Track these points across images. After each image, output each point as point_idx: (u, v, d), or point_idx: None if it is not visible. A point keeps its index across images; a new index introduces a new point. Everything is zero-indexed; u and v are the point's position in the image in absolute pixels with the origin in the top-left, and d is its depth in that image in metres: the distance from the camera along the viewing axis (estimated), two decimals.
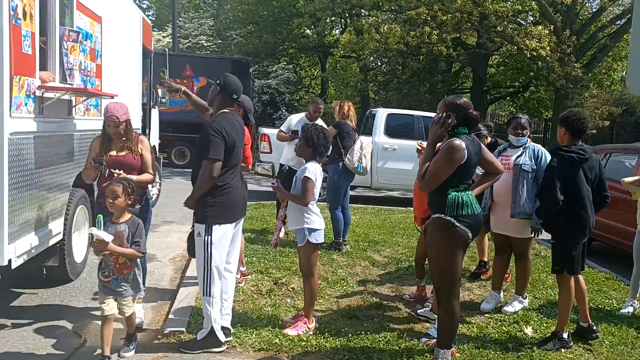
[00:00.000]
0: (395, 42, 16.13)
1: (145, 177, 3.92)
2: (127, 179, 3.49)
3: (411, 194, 6.32)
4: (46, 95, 3.98)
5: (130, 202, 3.42)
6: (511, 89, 24.56)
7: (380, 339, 3.91)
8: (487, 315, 4.58)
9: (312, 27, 20.69)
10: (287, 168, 6.22)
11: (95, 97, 4.72)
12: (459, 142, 3.26)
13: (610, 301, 5.08)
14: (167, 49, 12.35)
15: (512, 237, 4.64)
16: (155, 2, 41.14)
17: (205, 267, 3.50)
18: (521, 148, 4.60)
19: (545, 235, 4.44)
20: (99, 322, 3.51)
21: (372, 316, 4.36)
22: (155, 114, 8.70)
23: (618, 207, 6.33)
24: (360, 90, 24.98)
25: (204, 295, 3.54)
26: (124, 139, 3.87)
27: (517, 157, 4.53)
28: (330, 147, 4.02)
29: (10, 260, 3.56)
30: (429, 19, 15.12)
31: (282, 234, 6.29)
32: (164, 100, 8.91)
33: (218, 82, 3.70)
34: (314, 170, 3.86)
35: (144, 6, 42.31)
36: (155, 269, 5.53)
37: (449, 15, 15.44)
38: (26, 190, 3.75)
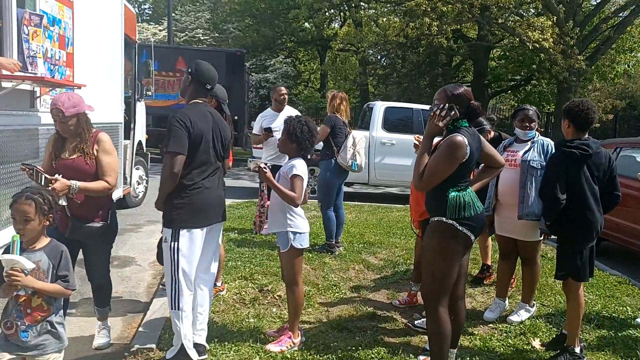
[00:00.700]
0: (394, 34, 15.74)
1: (96, 185, 3.15)
2: (41, 194, 2.50)
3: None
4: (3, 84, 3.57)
5: (48, 222, 2.51)
6: (513, 82, 24.19)
7: (374, 355, 3.52)
8: (490, 325, 4.19)
9: (310, 19, 20.22)
10: (270, 166, 5.79)
11: (59, 87, 4.30)
12: (462, 139, 2.92)
13: (624, 308, 4.68)
14: (152, 40, 11.95)
15: (518, 240, 4.24)
16: None
17: (172, 277, 3.10)
18: (529, 142, 4.19)
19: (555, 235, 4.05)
20: None
21: (365, 328, 3.97)
22: (141, 108, 8.28)
23: (628, 205, 6.01)
24: (359, 84, 24.58)
25: (172, 309, 3.14)
26: (78, 138, 3.20)
27: (525, 153, 4.12)
28: (316, 142, 3.61)
29: None
30: (429, 10, 14.73)
31: (265, 231, 5.88)
32: (149, 93, 8.49)
33: (189, 70, 3.30)
34: (302, 168, 3.46)
35: None
36: (132, 274, 5.14)
37: (450, 6, 15.05)
38: None
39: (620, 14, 17.01)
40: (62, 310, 2.62)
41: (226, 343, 3.52)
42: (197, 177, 3.12)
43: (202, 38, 27.26)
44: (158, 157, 13.26)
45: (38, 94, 4.19)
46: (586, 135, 3.71)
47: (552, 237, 4.00)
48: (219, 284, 4.32)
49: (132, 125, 7.68)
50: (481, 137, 3.27)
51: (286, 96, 6.03)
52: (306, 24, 26.53)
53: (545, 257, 6.07)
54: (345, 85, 26.77)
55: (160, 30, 27.94)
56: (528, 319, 4.27)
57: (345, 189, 10.66)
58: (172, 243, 3.09)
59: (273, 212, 3.58)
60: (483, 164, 3.42)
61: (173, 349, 3.20)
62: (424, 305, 3.20)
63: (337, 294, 4.65)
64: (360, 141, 5.82)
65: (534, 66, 19.92)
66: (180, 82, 15.44)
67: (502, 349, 3.76)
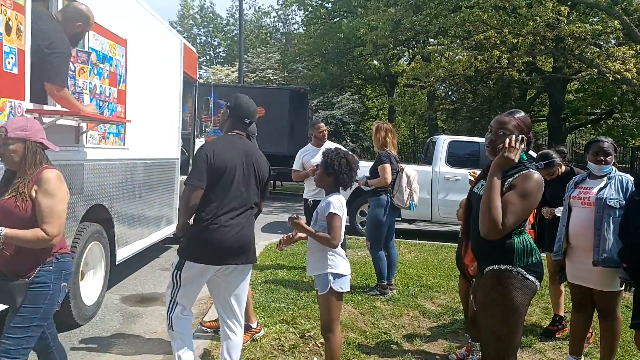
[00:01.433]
0: (463, 68, 15.30)
1: (29, 234, 2.46)
2: None
3: None
4: (44, 120, 3.57)
5: None
6: (592, 116, 22.79)
7: None
8: None
9: (374, 54, 20.20)
10: (311, 202, 5.57)
11: (101, 122, 4.31)
12: (539, 175, 2.55)
13: None
14: (211, 81, 12.27)
15: (594, 289, 3.70)
16: (225, 39, 42.66)
17: (171, 298, 3.08)
18: (605, 178, 3.70)
19: None
20: None
21: None
22: (200, 144, 8.35)
23: None
24: (427, 119, 24.11)
25: (168, 328, 3.13)
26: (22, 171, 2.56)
27: (600, 190, 3.63)
28: (356, 176, 3.33)
29: None
30: (498, 42, 14.23)
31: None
32: (208, 130, 8.58)
33: (228, 103, 3.18)
34: (340, 205, 3.18)
35: (215, 43, 44.15)
36: (157, 310, 4.96)
37: (520, 38, 14.47)
38: None
39: None
40: None
41: None
42: (218, 212, 2.94)
43: (272, 78, 28.04)
44: None
45: (84, 130, 4.20)
46: None
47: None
48: (253, 325, 4.07)
49: (190, 161, 7.73)
50: None
51: (325, 132, 5.86)
52: (375, 62, 26.61)
53: (629, 307, 5.33)
54: (412, 120, 26.36)
55: (233, 72, 29.10)
56: None
57: (407, 226, 10.19)
58: (176, 271, 3.06)
59: (311, 252, 3.30)
60: None
61: None
62: None
63: (386, 344, 4.23)
64: (414, 179, 5.48)
65: (616, 98, 18.68)
66: None
67: None
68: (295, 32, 34.69)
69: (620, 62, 13.40)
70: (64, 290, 2.68)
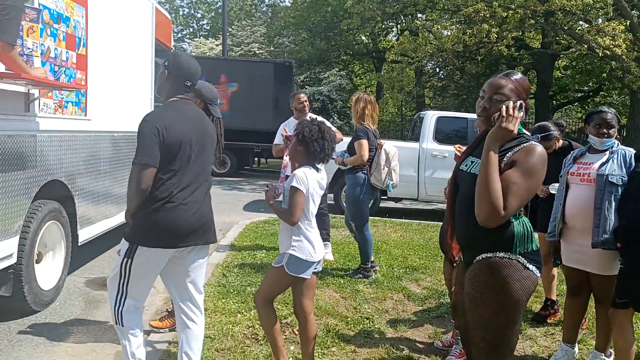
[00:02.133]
0: (452, 42, 14.91)
1: None
2: None
3: None
4: None
5: None
6: (580, 94, 22.63)
7: None
8: None
9: (362, 27, 19.70)
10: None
11: (54, 88, 3.89)
12: (542, 148, 2.15)
13: None
14: (182, 48, 11.74)
15: (591, 273, 3.43)
16: (209, 11, 41.59)
17: (119, 289, 2.65)
18: (606, 153, 3.40)
19: None
20: None
21: None
22: None
23: None
24: (414, 96, 23.76)
25: (116, 324, 2.69)
26: None
27: (602, 166, 3.32)
28: (333, 148, 2.98)
29: None
30: (487, 16, 13.85)
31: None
32: None
33: (165, 62, 2.75)
34: (304, 178, 2.85)
35: (199, 15, 43.04)
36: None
37: (510, 11, 14.10)
38: None
39: None
40: None
41: None
42: (174, 188, 2.57)
43: (257, 52, 27.38)
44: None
45: (35, 97, 3.78)
46: None
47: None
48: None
49: None
50: None
51: (306, 103, 5.52)
52: (362, 37, 26.05)
53: None
54: (400, 97, 25.99)
55: (217, 45, 28.35)
56: None
57: (392, 205, 9.87)
58: (125, 260, 2.60)
59: (281, 229, 3.02)
60: None
61: None
62: None
63: (369, 330, 3.95)
64: (394, 156, 5.15)
65: (604, 75, 18.49)
66: (224, 93, 15.39)
67: None
68: (281, 3, 33.90)
69: (610, 37, 13.14)
70: None
